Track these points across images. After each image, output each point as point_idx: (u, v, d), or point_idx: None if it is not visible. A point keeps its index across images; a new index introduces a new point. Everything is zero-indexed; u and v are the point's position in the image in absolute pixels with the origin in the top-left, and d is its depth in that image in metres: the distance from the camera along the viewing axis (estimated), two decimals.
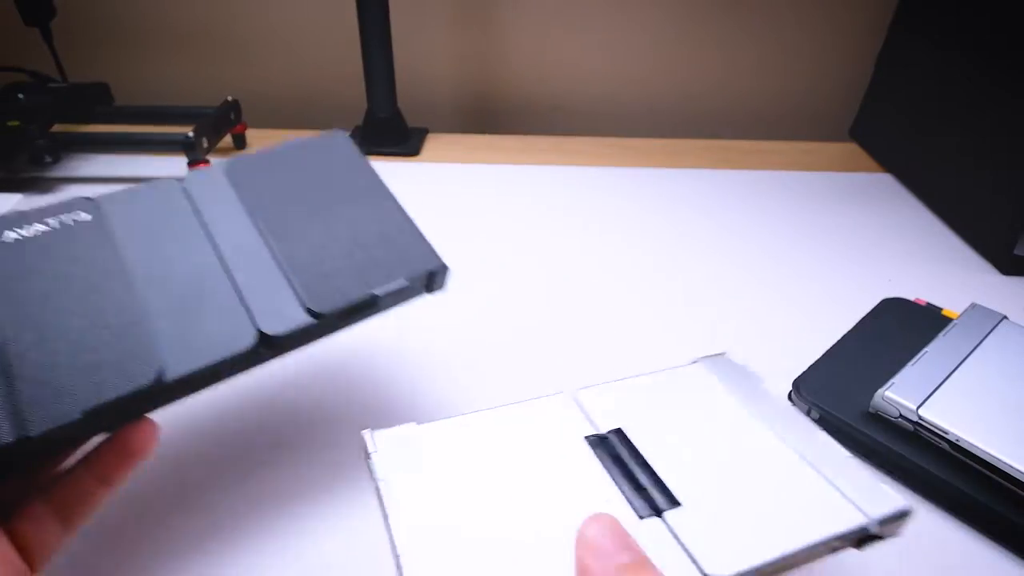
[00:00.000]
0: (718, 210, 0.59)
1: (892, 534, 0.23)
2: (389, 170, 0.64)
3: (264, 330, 0.25)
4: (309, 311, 0.26)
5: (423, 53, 0.75)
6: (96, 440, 0.25)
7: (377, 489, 0.23)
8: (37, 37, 0.63)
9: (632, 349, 0.42)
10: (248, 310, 0.25)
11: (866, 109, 0.71)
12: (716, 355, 0.30)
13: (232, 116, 0.64)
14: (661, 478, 0.23)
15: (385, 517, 0.22)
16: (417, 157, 0.67)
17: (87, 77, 0.66)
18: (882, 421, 0.34)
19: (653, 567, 0.19)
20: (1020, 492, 0.30)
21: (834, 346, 0.40)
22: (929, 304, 0.43)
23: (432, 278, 0.30)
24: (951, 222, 0.57)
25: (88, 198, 0.27)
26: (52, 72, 0.65)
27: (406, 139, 0.69)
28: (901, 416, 0.33)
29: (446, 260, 0.30)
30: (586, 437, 0.25)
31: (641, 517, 0.22)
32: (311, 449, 0.35)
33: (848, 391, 0.36)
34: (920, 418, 0.32)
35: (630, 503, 0.22)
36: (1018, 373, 0.34)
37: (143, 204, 0.28)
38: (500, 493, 0.23)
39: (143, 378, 0.23)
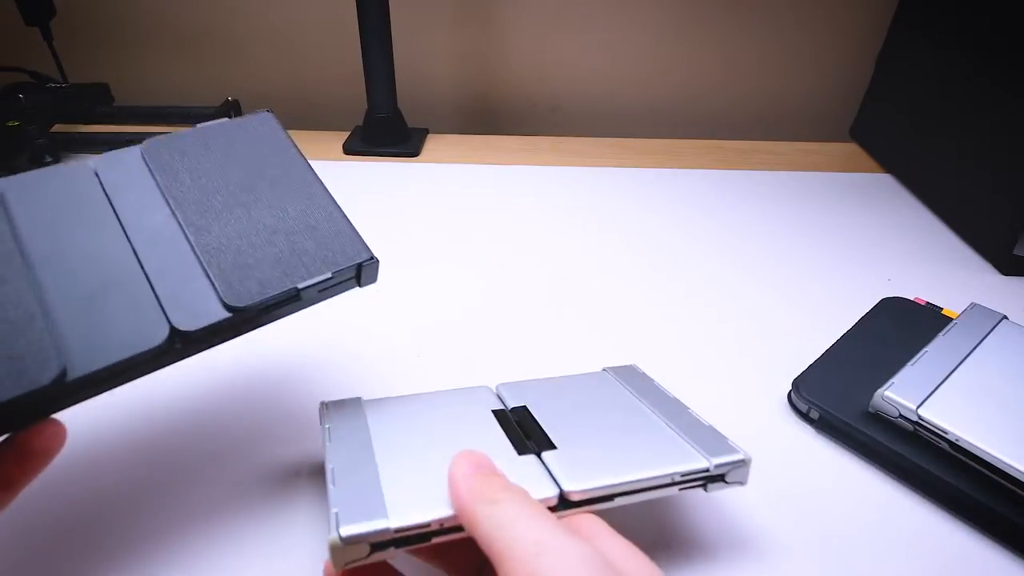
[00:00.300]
0: (718, 210, 0.59)
1: (738, 480, 0.27)
2: (389, 170, 0.64)
3: (177, 325, 0.24)
4: (226, 305, 0.24)
5: (423, 53, 0.75)
6: None
7: (324, 434, 0.28)
8: (37, 37, 0.63)
9: (632, 349, 0.42)
10: (160, 304, 0.24)
11: (866, 109, 0.71)
12: (625, 365, 0.35)
13: (232, 116, 0.64)
14: (547, 433, 0.28)
15: (325, 459, 0.26)
16: (417, 157, 0.67)
17: (87, 77, 0.66)
18: (882, 421, 0.34)
19: (501, 475, 0.23)
20: (1020, 492, 0.30)
21: (834, 346, 0.40)
22: (929, 304, 0.43)
23: (361, 271, 0.28)
24: (951, 222, 0.57)
25: None
26: (52, 72, 0.65)
27: (406, 139, 0.69)
28: (901, 416, 0.33)
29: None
30: (493, 410, 0.30)
31: (520, 453, 0.27)
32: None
33: (848, 391, 0.36)
34: (920, 418, 0.32)
35: (514, 446, 0.27)
36: (1018, 373, 0.34)
37: (49, 188, 0.26)
38: (417, 444, 0.28)
39: (42, 377, 0.21)
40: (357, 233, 0.28)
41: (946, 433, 0.32)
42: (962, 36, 0.56)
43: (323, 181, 0.30)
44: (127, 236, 0.26)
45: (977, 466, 0.31)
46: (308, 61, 0.77)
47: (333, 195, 0.30)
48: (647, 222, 0.56)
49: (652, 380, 0.34)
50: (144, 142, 0.29)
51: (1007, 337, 0.37)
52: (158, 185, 0.27)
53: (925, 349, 0.36)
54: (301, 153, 0.30)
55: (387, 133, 0.67)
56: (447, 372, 0.40)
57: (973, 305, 0.39)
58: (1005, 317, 0.38)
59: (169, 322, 0.24)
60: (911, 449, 0.33)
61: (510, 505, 0.21)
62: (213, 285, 0.25)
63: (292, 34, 0.75)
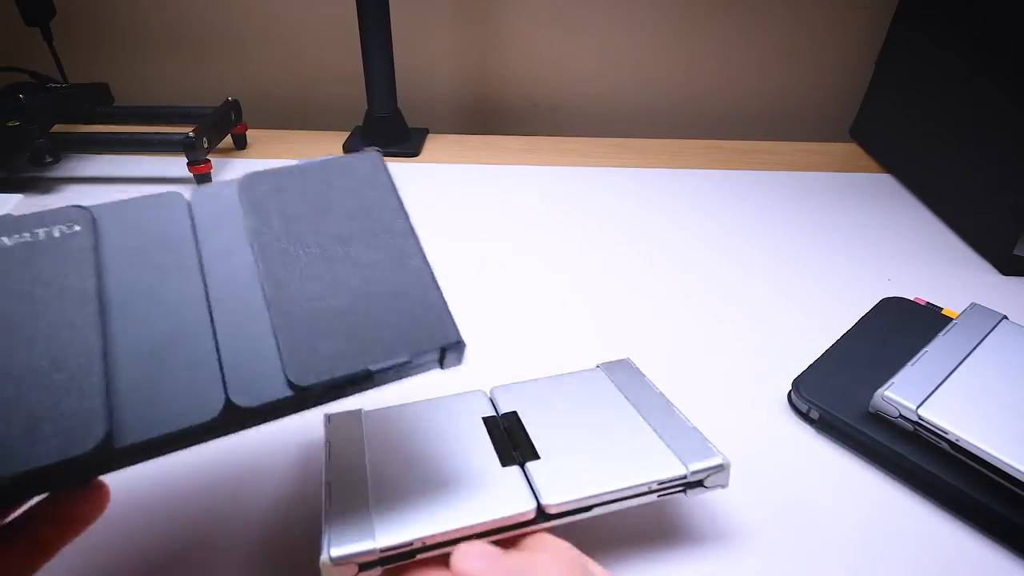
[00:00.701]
0: (718, 210, 0.59)
1: (718, 484, 0.28)
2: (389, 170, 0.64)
3: (234, 399, 0.21)
4: (290, 383, 0.22)
5: (423, 53, 0.75)
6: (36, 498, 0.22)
7: (325, 449, 0.29)
8: (37, 37, 0.63)
9: (632, 348, 0.42)
10: (221, 369, 0.22)
11: (866, 109, 0.71)
12: (618, 360, 0.36)
13: (232, 116, 0.64)
14: (533, 443, 0.29)
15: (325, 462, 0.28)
16: (417, 157, 0.67)
17: (87, 77, 0.66)
18: (882, 421, 0.34)
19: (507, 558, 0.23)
20: (1020, 492, 0.30)
21: (834, 346, 0.40)
22: (929, 304, 0.43)
23: (445, 354, 0.25)
24: (951, 222, 0.57)
25: (82, 207, 0.25)
26: (52, 72, 0.65)
27: (406, 139, 0.69)
28: (901, 416, 0.33)
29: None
30: (483, 417, 0.31)
31: (504, 465, 0.28)
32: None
33: (848, 391, 0.36)
34: (920, 418, 0.32)
35: (498, 457, 0.28)
36: (1018, 373, 0.34)
37: (140, 219, 0.25)
38: (408, 457, 0.28)
39: (85, 444, 0.19)
40: (447, 308, 0.25)
41: (946, 433, 0.32)
42: (962, 36, 0.56)
43: (421, 245, 0.27)
44: (205, 283, 0.24)
45: (977, 466, 0.31)
46: (308, 61, 0.77)
47: (427, 254, 0.27)
48: (647, 222, 0.56)
49: (643, 376, 0.34)
50: (245, 175, 0.27)
51: (1007, 337, 0.37)
52: (247, 226, 0.25)
53: (925, 349, 0.36)
54: (402, 203, 0.27)
55: (387, 133, 0.67)
56: (447, 372, 0.40)
57: (973, 305, 0.39)
58: (1005, 317, 0.38)
59: (226, 394, 0.21)
60: (911, 449, 0.33)
61: None
62: (280, 355, 0.22)
63: (292, 34, 0.75)
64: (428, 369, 0.25)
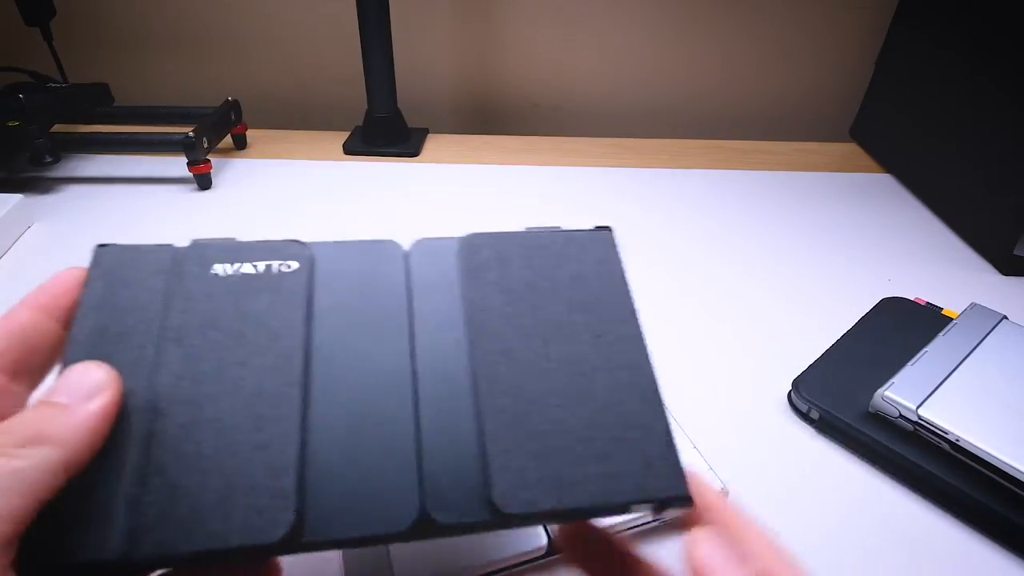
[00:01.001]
0: (718, 210, 0.59)
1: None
2: (389, 170, 0.64)
3: (432, 515, 0.19)
4: (491, 506, 0.19)
5: (423, 53, 0.75)
6: None
7: None
8: (37, 37, 0.63)
9: None
10: (420, 471, 0.19)
11: (866, 109, 0.71)
12: None
13: (232, 116, 0.64)
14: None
15: None
16: (417, 157, 0.67)
17: (87, 77, 0.66)
18: (882, 421, 0.34)
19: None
20: (1020, 492, 0.30)
21: (834, 346, 0.40)
22: (929, 304, 0.43)
23: (665, 504, 0.20)
24: (951, 222, 0.57)
25: (301, 243, 0.23)
26: (52, 72, 0.65)
27: (406, 139, 0.69)
28: (901, 416, 0.33)
29: None
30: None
31: None
32: None
33: (848, 391, 0.36)
34: (920, 418, 0.32)
35: None
36: (1018, 373, 0.34)
37: (356, 267, 0.23)
38: None
39: (275, 532, 0.18)
40: (676, 452, 0.20)
41: (946, 433, 0.32)
42: (962, 36, 0.56)
43: (646, 340, 0.23)
44: (413, 357, 0.21)
45: (977, 466, 0.31)
46: (308, 61, 0.77)
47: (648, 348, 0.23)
48: (647, 222, 0.56)
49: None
50: (468, 234, 0.24)
51: (1007, 337, 0.37)
52: (463, 297, 0.23)
53: (925, 349, 0.36)
54: (633, 299, 0.24)
55: (387, 133, 0.67)
56: None
57: (973, 305, 0.39)
58: (1005, 317, 0.38)
59: (421, 506, 0.19)
60: (911, 449, 0.33)
61: None
62: (485, 469, 0.19)
63: (292, 34, 0.75)
64: (639, 513, 0.22)
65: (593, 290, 0.23)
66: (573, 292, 0.23)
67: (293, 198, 0.59)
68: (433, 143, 0.70)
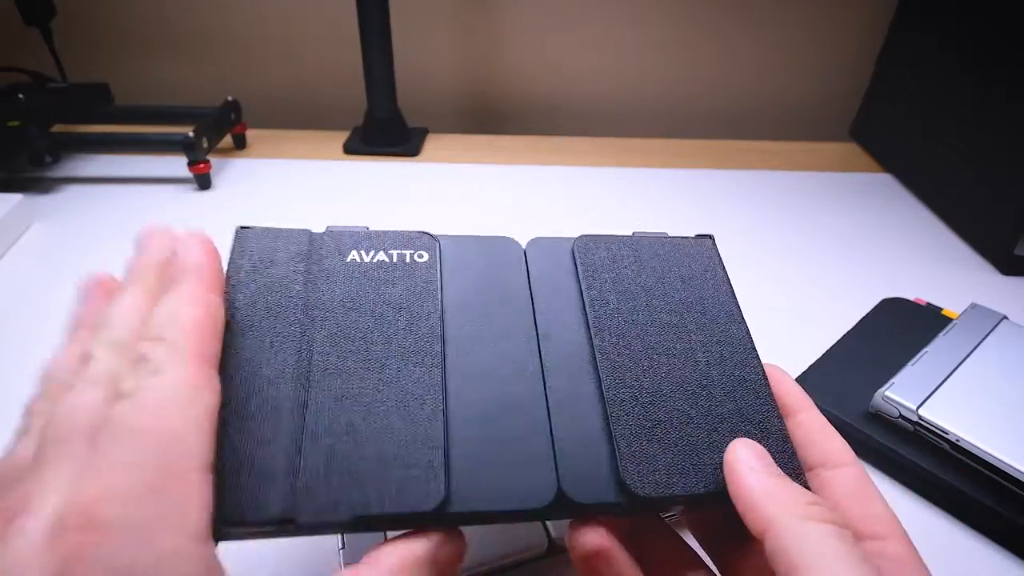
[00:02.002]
0: (718, 210, 0.59)
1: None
2: (389, 170, 0.64)
3: (567, 493, 0.20)
4: (625, 489, 0.20)
5: (423, 53, 0.75)
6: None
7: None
8: (37, 37, 0.63)
9: None
10: (554, 454, 0.20)
11: (866, 109, 0.71)
12: None
13: (232, 116, 0.64)
14: None
15: None
16: (417, 157, 0.67)
17: (87, 77, 0.66)
18: (882, 421, 0.34)
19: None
20: (1020, 492, 0.30)
21: (834, 346, 0.40)
22: (929, 304, 0.43)
23: None
24: (951, 222, 0.57)
25: (431, 235, 0.24)
26: (52, 72, 0.65)
27: (406, 139, 0.69)
28: (901, 416, 0.33)
29: None
30: None
31: None
32: None
33: (848, 391, 0.36)
34: (920, 418, 0.32)
35: None
36: (1018, 373, 0.34)
37: (480, 260, 0.24)
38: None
39: (428, 501, 0.19)
40: (791, 444, 0.22)
41: (946, 433, 0.32)
42: (962, 36, 0.56)
43: (752, 340, 0.24)
44: (539, 347, 0.22)
45: (977, 466, 0.31)
46: (308, 61, 0.77)
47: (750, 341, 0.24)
48: (647, 222, 0.56)
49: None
50: (580, 236, 0.26)
51: (1007, 337, 0.37)
52: (580, 291, 0.24)
53: (925, 349, 0.36)
54: (737, 302, 0.26)
55: (387, 133, 0.67)
56: None
57: (973, 305, 0.39)
58: (1005, 317, 0.38)
59: (558, 485, 0.20)
60: (911, 449, 0.33)
61: (830, 532, 0.17)
62: (615, 455, 0.20)
63: (292, 34, 0.75)
64: None
65: (700, 293, 0.25)
66: (683, 294, 0.25)
67: (293, 198, 0.59)
68: (433, 143, 0.70)
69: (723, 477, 0.20)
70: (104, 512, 0.14)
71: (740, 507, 0.19)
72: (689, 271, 0.26)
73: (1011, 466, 0.30)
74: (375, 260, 0.23)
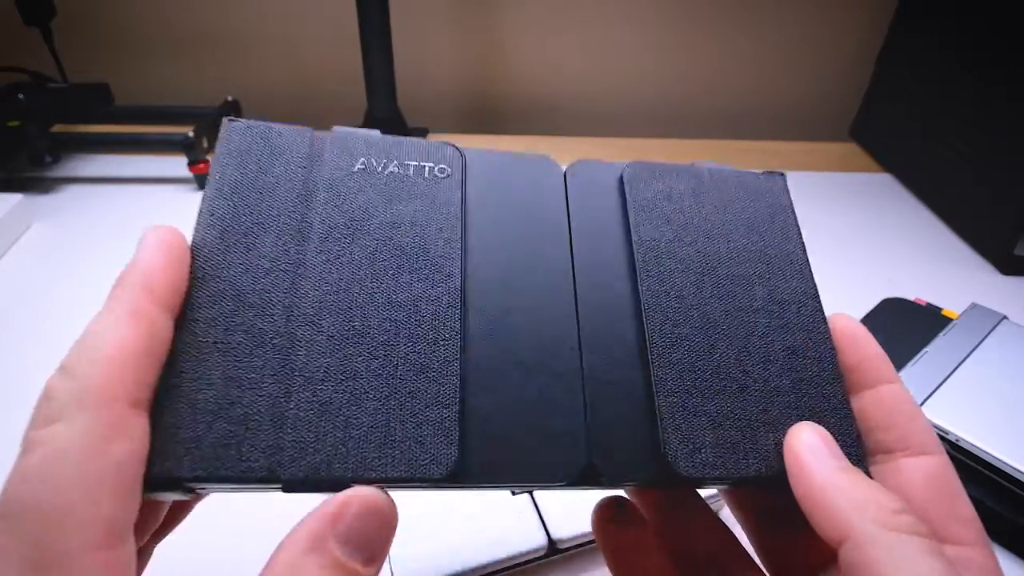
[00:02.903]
0: None
1: None
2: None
3: (598, 468, 0.17)
4: (665, 466, 0.17)
5: (423, 53, 0.75)
6: None
7: None
8: (37, 37, 0.63)
9: None
10: (586, 419, 0.17)
11: (866, 109, 0.71)
12: None
13: (232, 117, 0.64)
14: None
15: None
16: None
17: (87, 77, 0.66)
18: None
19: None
20: (1020, 492, 0.30)
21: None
22: (929, 304, 0.43)
23: None
24: (951, 222, 0.57)
25: (456, 147, 0.21)
26: (52, 72, 0.65)
27: None
28: None
29: None
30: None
31: None
32: None
33: None
34: None
35: None
36: (1018, 373, 0.34)
37: (513, 180, 0.21)
38: None
39: (435, 469, 0.16)
40: (854, 422, 0.19)
41: (947, 433, 0.32)
42: (962, 36, 0.56)
43: (820, 300, 0.22)
44: (576, 289, 0.19)
45: (977, 466, 0.31)
46: (308, 61, 0.77)
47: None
48: None
49: None
50: (632, 163, 0.22)
51: (1007, 337, 0.37)
52: (628, 232, 0.20)
53: (925, 349, 0.36)
54: (806, 254, 0.22)
55: (387, 133, 0.67)
56: None
57: (973, 305, 0.39)
58: (1005, 317, 0.38)
59: (589, 457, 0.17)
60: None
61: (920, 547, 0.15)
62: (659, 427, 0.18)
63: (292, 34, 0.75)
64: None
65: (766, 240, 0.22)
66: (746, 240, 0.21)
67: None
68: None
69: (779, 460, 0.18)
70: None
71: (806, 504, 0.16)
72: (755, 214, 0.22)
73: (1011, 466, 0.30)
74: (387, 171, 0.20)
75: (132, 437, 0.14)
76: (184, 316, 0.16)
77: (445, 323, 0.17)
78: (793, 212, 0.23)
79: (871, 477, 0.18)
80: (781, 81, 0.77)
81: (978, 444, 0.31)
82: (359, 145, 0.20)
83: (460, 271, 0.18)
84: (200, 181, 0.59)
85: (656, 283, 0.19)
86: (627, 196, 0.21)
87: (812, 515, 0.16)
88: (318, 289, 0.17)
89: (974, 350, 0.36)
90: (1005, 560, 0.30)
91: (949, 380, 0.34)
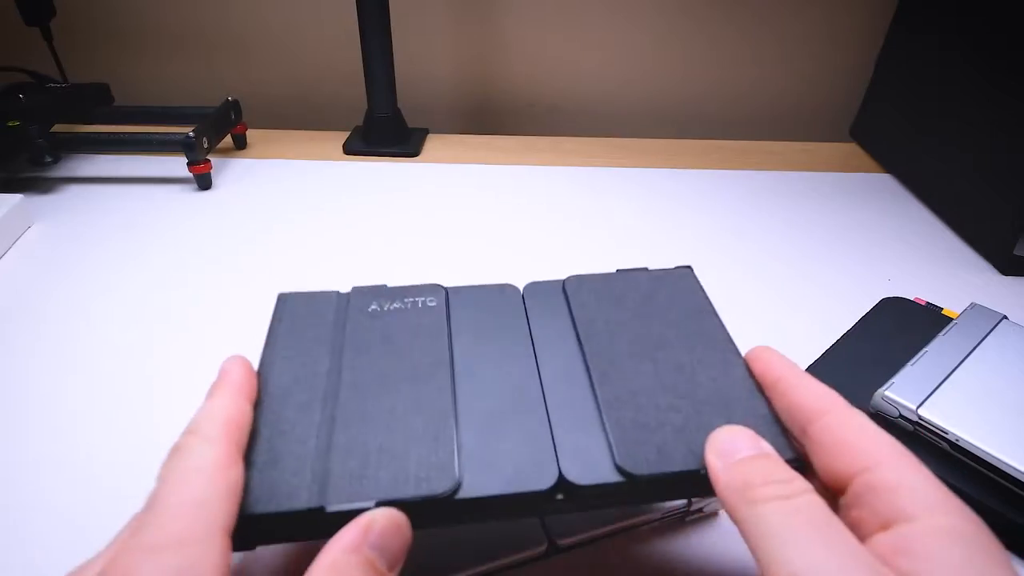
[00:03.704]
0: (718, 210, 0.59)
1: (714, 510, 0.28)
2: (389, 170, 0.64)
3: (566, 475, 0.22)
4: (618, 469, 0.22)
5: (423, 53, 0.75)
6: None
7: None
8: (37, 37, 0.63)
9: None
10: (555, 445, 0.23)
11: (866, 109, 0.71)
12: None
13: (232, 116, 0.64)
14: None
15: None
16: (417, 157, 0.67)
17: (87, 77, 0.66)
18: (882, 421, 0.34)
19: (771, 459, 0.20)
20: (1020, 492, 0.30)
21: (834, 346, 0.40)
22: (929, 304, 0.43)
23: None
24: (951, 222, 0.57)
25: (439, 285, 0.29)
26: (52, 72, 0.65)
27: (406, 139, 0.69)
28: (901, 416, 0.33)
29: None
30: None
31: None
32: None
33: (848, 391, 0.36)
34: (920, 418, 0.32)
35: None
36: (1018, 373, 0.34)
37: (484, 302, 0.29)
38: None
39: (440, 486, 0.21)
40: (779, 423, 0.24)
41: (946, 433, 0.32)
42: (962, 36, 0.56)
43: (742, 355, 0.27)
44: (537, 364, 0.26)
45: (977, 466, 0.31)
46: (308, 61, 0.77)
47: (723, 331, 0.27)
48: (647, 222, 0.56)
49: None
50: (569, 277, 0.30)
51: (1007, 337, 0.37)
52: (573, 321, 0.28)
53: (925, 349, 0.36)
54: (719, 318, 0.28)
55: (387, 133, 0.67)
56: None
57: (973, 305, 0.39)
58: (1005, 317, 0.38)
59: (559, 470, 0.22)
60: (911, 449, 0.33)
61: (777, 509, 0.17)
62: (608, 442, 0.23)
63: (292, 34, 0.75)
64: None
65: (683, 312, 0.28)
66: (666, 314, 0.28)
67: (293, 198, 0.59)
68: (433, 143, 0.70)
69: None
70: (136, 561, 0.17)
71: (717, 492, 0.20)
72: (672, 296, 0.29)
73: (1011, 466, 0.30)
74: (391, 308, 0.28)
75: (240, 468, 0.20)
76: (258, 404, 0.24)
77: (440, 393, 0.24)
78: (702, 290, 0.30)
79: (797, 454, 0.22)
80: (781, 81, 0.77)
81: (978, 444, 0.31)
82: (370, 294, 0.29)
83: (449, 361, 0.26)
84: (200, 181, 0.59)
85: (596, 349, 0.26)
86: (568, 298, 0.29)
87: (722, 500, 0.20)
88: (348, 378, 0.25)
89: (974, 350, 0.36)
90: None
91: (949, 380, 0.34)
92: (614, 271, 0.31)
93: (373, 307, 0.28)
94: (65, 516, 0.31)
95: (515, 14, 0.73)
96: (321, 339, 0.27)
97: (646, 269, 0.31)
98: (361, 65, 0.64)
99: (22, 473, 0.33)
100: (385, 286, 0.29)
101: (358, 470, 0.21)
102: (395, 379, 0.25)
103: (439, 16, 0.73)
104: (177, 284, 0.47)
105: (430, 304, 0.28)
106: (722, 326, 0.28)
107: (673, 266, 0.31)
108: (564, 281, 0.30)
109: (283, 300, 0.29)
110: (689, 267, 0.31)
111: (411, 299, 0.28)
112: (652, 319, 0.28)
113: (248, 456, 0.22)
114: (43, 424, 0.35)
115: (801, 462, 0.22)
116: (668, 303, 0.29)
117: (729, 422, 0.23)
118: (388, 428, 0.23)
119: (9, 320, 0.43)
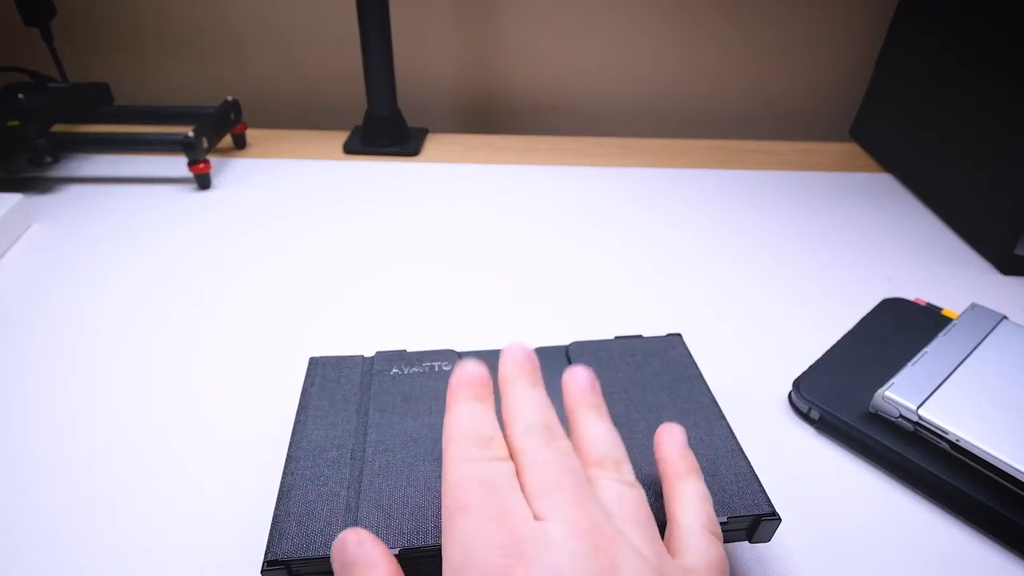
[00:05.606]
0: (718, 210, 0.59)
1: (761, 539, 0.27)
2: (389, 170, 0.64)
3: None
4: None
5: (423, 53, 0.75)
6: None
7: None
8: (37, 37, 0.63)
9: None
10: None
11: (866, 109, 0.71)
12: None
13: (232, 116, 0.64)
14: None
15: None
16: (417, 157, 0.67)
17: (87, 77, 0.66)
18: (882, 421, 0.34)
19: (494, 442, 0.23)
20: (1020, 492, 0.30)
21: (834, 346, 0.40)
22: (929, 304, 0.43)
23: (758, 525, 0.26)
24: (951, 222, 0.57)
25: (453, 351, 0.33)
26: (52, 72, 0.65)
27: (406, 139, 0.69)
28: (901, 416, 0.33)
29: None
30: None
31: None
32: None
33: (848, 391, 0.36)
34: (920, 418, 0.32)
35: None
36: (1018, 373, 0.34)
37: (494, 366, 0.29)
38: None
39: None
40: (759, 481, 0.27)
41: (946, 433, 0.32)
42: (962, 36, 0.56)
43: (725, 417, 0.30)
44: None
45: (977, 466, 0.31)
46: (308, 61, 0.77)
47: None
48: (647, 222, 0.56)
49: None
50: (573, 343, 0.34)
51: (1007, 337, 0.37)
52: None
53: (925, 349, 0.36)
54: (706, 383, 0.32)
55: (387, 133, 0.67)
56: None
57: (973, 305, 0.39)
58: (1005, 317, 0.38)
59: None
60: (911, 449, 0.33)
61: (477, 517, 0.19)
62: None
63: (292, 34, 0.75)
64: (735, 539, 0.27)
65: (672, 375, 0.32)
66: (657, 378, 0.32)
67: (293, 198, 0.59)
68: (433, 143, 0.70)
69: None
70: None
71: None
72: (663, 361, 0.33)
73: (1011, 466, 0.30)
74: (410, 372, 0.31)
75: None
76: (295, 459, 0.27)
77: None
78: (690, 356, 0.34)
79: (776, 514, 0.26)
80: (781, 81, 0.77)
81: (978, 444, 0.31)
82: (392, 358, 0.32)
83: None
84: (200, 181, 0.59)
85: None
86: (572, 360, 0.33)
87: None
88: (374, 438, 0.28)
89: (974, 350, 0.36)
90: (1005, 560, 0.30)
91: (949, 380, 0.34)
92: (612, 338, 0.35)
93: (395, 371, 0.31)
94: (65, 516, 0.31)
95: (515, 14, 0.73)
96: (348, 400, 0.30)
97: (641, 336, 0.35)
98: (361, 65, 0.64)
99: (22, 473, 0.33)
100: (405, 351, 0.33)
101: (384, 520, 0.24)
102: (415, 437, 0.28)
103: (439, 16, 0.73)
104: (177, 284, 0.47)
105: (445, 368, 0.32)
106: (708, 391, 0.32)
107: (666, 334, 0.36)
108: (567, 347, 0.34)
109: (314, 364, 0.32)
110: (679, 335, 0.35)
111: (428, 363, 0.32)
112: (647, 385, 0.32)
113: (288, 508, 0.25)
114: (42, 424, 0.35)
115: (776, 516, 0.26)
116: (661, 372, 0.32)
117: (714, 478, 0.27)
118: (409, 482, 0.26)
119: (9, 320, 0.43)
